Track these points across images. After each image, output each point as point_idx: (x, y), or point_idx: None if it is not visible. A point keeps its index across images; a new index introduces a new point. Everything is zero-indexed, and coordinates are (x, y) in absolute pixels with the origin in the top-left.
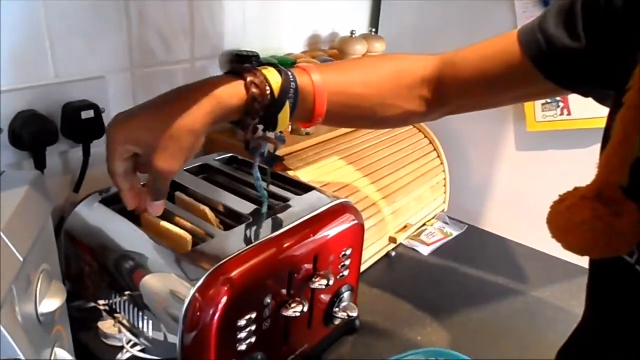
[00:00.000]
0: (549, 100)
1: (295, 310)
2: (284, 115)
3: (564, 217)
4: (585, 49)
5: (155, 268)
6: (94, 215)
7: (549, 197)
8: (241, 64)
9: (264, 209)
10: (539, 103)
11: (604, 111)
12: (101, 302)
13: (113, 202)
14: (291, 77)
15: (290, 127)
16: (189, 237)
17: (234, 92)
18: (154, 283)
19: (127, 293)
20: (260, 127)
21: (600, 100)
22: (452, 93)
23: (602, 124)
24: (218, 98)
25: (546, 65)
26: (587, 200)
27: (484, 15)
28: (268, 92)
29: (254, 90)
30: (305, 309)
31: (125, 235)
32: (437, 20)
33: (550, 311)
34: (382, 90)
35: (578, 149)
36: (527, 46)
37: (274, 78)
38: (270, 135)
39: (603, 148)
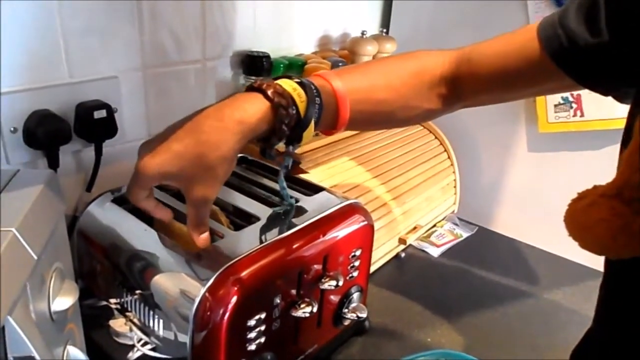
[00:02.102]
0: (561, 101)
1: (305, 310)
2: (309, 131)
3: (582, 215)
4: (607, 45)
5: (166, 267)
6: (106, 214)
7: (561, 199)
8: (252, 64)
9: (290, 214)
10: (551, 104)
11: (618, 112)
12: (113, 300)
13: (125, 201)
14: (315, 91)
15: None
16: None
17: (262, 116)
18: (164, 282)
19: (138, 292)
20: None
21: (621, 98)
22: (470, 89)
23: (616, 125)
24: (247, 124)
25: (567, 62)
26: (607, 198)
27: (496, 16)
28: (294, 112)
29: (282, 112)
30: (315, 310)
31: (137, 234)
32: (448, 21)
33: (562, 314)
34: (403, 93)
35: (591, 151)
36: (547, 42)
37: (300, 97)
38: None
39: (623, 146)
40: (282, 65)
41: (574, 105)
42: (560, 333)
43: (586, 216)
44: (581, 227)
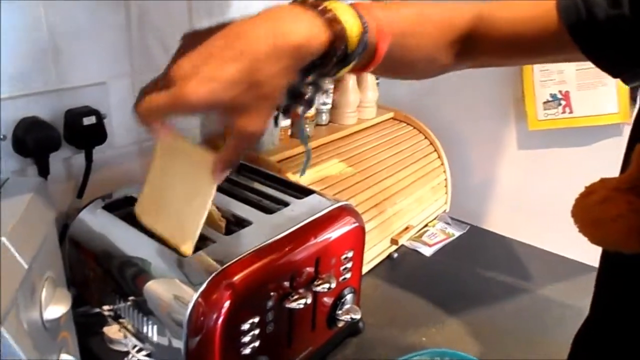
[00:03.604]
0: (550, 99)
1: (299, 302)
2: (345, 70)
3: (594, 210)
4: (627, 18)
5: (159, 273)
6: (98, 221)
7: (551, 196)
8: None
9: (307, 165)
10: (540, 101)
11: (606, 108)
12: (106, 307)
13: (116, 207)
14: (365, 26)
15: (289, 130)
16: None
17: (319, 46)
18: (157, 288)
19: (131, 298)
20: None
21: (630, 80)
22: (481, 50)
23: (604, 121)
24: (306, 50)
25: (583, 35)
26: (622, 193)
27: None
28: (344, 46)
29: (338, 44)
30: (309, 301)
31: (129, 240)
32: None
33: (556, 309)
34: (429, 44)
35: (580, 147)
36: (565, 12)
37: (355, 31)
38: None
39: (632, 140)
40: None
41: (563, 102)
42: (554, 328)
43: (600, 212)
44: (593, 223)
